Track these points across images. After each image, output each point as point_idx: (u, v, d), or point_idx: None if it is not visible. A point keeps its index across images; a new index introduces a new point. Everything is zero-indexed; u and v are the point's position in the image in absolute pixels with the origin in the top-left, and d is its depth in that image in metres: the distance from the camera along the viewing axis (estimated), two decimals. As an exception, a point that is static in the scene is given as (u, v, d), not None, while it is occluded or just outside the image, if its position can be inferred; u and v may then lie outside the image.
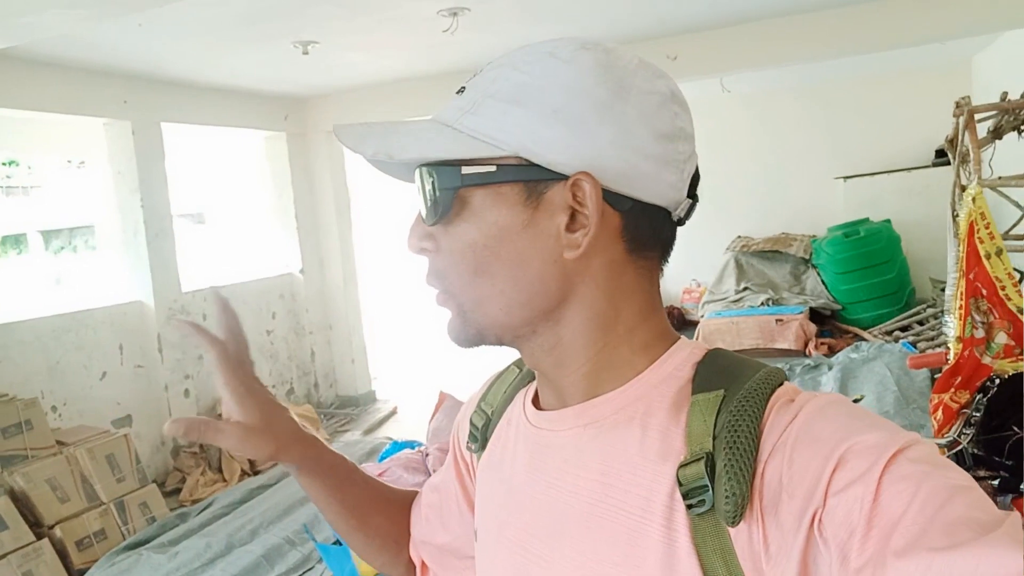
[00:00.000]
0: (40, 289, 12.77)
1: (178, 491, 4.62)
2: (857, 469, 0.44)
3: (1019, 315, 2.48)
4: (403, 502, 0.85)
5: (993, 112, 3.29)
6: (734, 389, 0.53)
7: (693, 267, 7.74)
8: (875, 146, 7.36)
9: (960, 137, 3.32)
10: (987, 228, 2.54)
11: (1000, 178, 3.12)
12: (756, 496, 0.48)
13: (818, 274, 6.84)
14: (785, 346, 6.02)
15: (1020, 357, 2.48)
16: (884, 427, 0.47)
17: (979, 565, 0.38)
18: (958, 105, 3.25)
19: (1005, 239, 2.63)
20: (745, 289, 7.05)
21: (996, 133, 3.33)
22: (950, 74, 6.77)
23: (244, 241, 8.47)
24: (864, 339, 5.96)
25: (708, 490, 0.49)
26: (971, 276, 2.55)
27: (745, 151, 7.78)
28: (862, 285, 6.45)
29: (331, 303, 6.40)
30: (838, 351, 5.56)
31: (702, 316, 6.85)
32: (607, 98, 0.55)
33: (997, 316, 2.52)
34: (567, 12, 4.29)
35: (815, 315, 6.45)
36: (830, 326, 6.56)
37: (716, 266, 7.40)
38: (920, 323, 6.07)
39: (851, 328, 6.44)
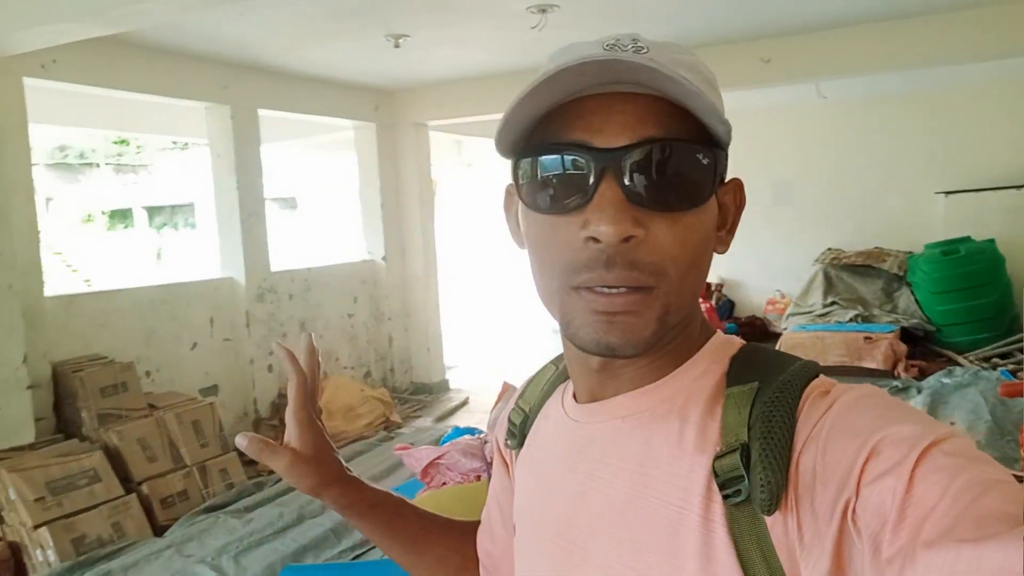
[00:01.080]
0: (142, 262, 13.58)
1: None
2: (891, 459, 0.44)
3: None
4: (464, 529, 0.86)
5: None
6: (768, 381, 0.53)
7: (778, 278, 7.52)
8: (980, 160, 6.92)
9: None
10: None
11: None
12: (791, 486, 0.48)
13: (912, 292, 6.51)
14: (873, 365, 5.75)
15: None
16: (920, 419, 0.47)
17: (1008, 557, 0.37)
18: (1078, 118, 3.03)
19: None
20: (833, 304, 6.78)
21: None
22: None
23: (331, 227, 8.77)
24: (959, 364, 5.64)
25: (744, 480, 0.50)
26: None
27: (839, 159, 7.48)
28: (960, 307, 6.09)
29: (410, 292, 6.54)
30: (929, 374, 5.28)
31: (785, 328, 6.63)
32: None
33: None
34: (657, 12, 4.24)
35: (907, 335, 6.14)
36: (922, 348, 6.23)
37: (803, 278, 7.15)
38: (1022, 351, 5.70)
39: (945, 351, 6.10)
